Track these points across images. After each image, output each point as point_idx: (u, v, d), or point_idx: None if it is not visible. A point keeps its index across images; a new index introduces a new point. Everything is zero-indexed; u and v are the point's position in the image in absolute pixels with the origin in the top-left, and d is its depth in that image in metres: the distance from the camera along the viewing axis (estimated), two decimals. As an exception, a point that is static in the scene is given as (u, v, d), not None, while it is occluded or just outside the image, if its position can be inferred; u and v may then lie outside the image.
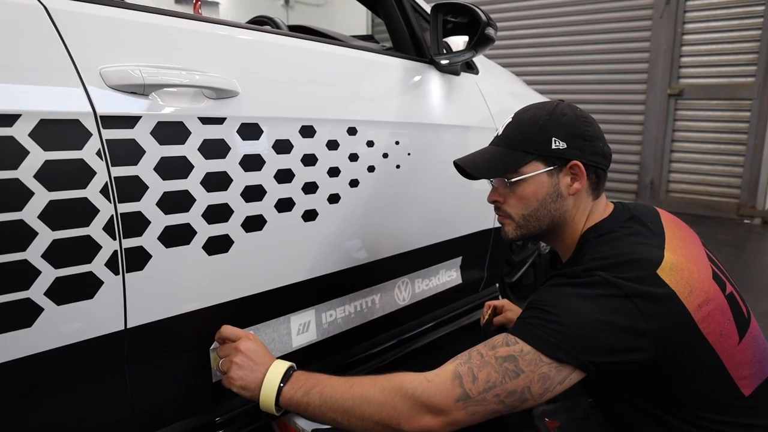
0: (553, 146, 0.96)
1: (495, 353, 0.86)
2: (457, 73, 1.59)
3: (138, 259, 0.88)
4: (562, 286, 0.91)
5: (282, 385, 0.92)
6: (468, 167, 1.04)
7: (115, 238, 0.84)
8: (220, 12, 5.69)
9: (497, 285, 1.94)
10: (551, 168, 0.97)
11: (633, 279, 0.87)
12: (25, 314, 0.76)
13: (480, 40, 1.42)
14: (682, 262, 0.90)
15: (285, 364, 0.96)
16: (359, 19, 6.23)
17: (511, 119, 1.04)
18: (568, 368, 0.85)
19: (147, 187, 0.87)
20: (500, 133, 1.04)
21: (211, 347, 1.02)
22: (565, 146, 0.96)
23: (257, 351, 0.97)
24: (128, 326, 0.89)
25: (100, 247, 0.83)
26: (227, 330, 1.01)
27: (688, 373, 0.89)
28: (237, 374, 0.95)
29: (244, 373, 0.95)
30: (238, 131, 0.99)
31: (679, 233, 0.99)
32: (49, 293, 0.78)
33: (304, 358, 1.24)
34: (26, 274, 0.75)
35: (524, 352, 0.84)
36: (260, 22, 1.77)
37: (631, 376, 0.90)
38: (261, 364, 0.95)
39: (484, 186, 1.68)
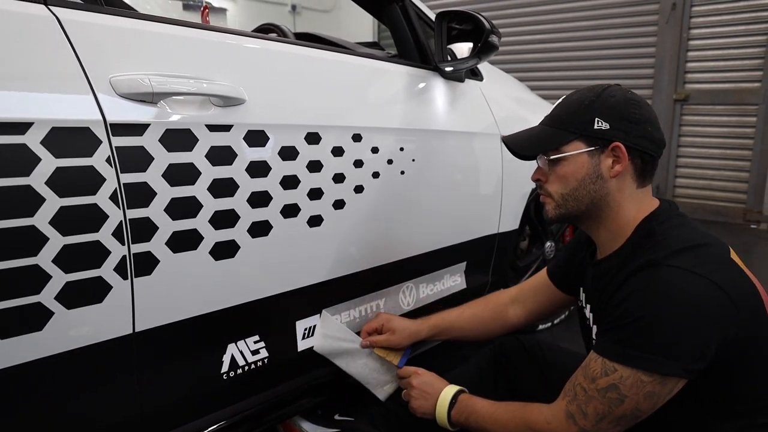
0: (596, 126, 0.95)
1: (596, 386, 0.89)
2: (461, 80, 1.60)
3: (146, 264, 0.89)
4: (647, 290, 0.87)
5: (450, 410, 1.10)
6: (512, 144, 1.05)
7: (123, 244, 0.86)
8: (228, 18, 5.73)
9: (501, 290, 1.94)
10: (592, 148, 0.96)
11: (715, 262, 0.87)
12: (36, 318, 0.78)
13: (484, 48, 1.43)
14: (739, 260, 0.93)
15: (450, 393, 1.12)
16: (366, 26, 6.25)
17: (561, 99, 1.04)
18: (673, 379, 0.85)
19: (155, 194, 0.89)
20: (549, 112, 1.05)
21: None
22: (608, 127, 0.94)
23: (427, 383, 1.16)
24: (136, 330, 0.90)
25: (110, 252, 0.84)
26: (401, 371, 1.23)
27: (754, 365, 0.89)
28: (416, 404, 1.15)
29: (420, 403, 1.15)
30: (245, 138, 1.01)
31: None
32: (59, 297, 0.80)
33: (309, 362, 1.26)
34: (37, 278, 0.77)
35: (624, 378, 0.86)
36: (267, 30, 1.79)
37: (704, 374, 0.88)
38: (432, 395, 1.14)
39: (488, 191, 1.70)
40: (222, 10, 5.61)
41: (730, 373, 0.89)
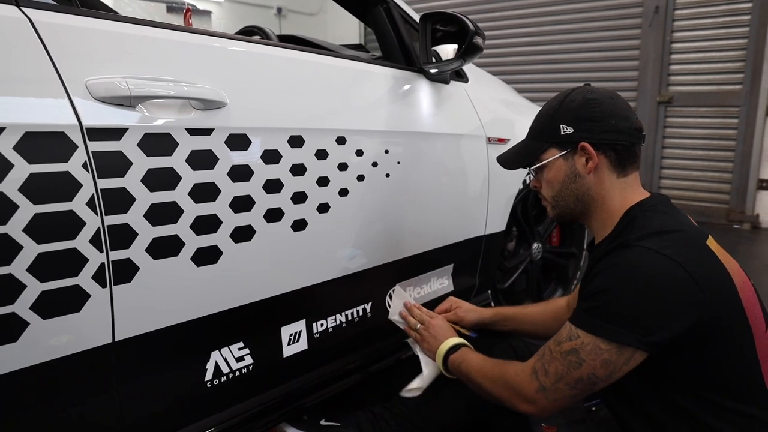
0: (562, 132, 1.04)
1: (560, 348, 0.96)
2: (446, 82, 1.60)
3: (125, 271, 0.87)
4: (615, 266, 0.93)
5: (448, 355, 1.20)
6: (502, 162, 1.19)
7: (102, 251, 0.84)
8: (213, 21, 5.69)
9: (489, 291, 1.94)
10: (564, 152, 1.05)
11: (685, 245, 0.92)
12: (11, 329, 0.76)
13: (468, 49, 1.42)
14: (719, 248, 0.97)
15: (453, 342, 1.22)
16: (352, 28, 6.25)
17: (538, 111, 1.13)
18: (629, 349, 0.90)
19: (134, 199, 0.87)
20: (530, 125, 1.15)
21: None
22: (572, 131, 1.03)
23: (441, 327, 1.27)
24: (116, 339, 0.88)
25: (87, 259, 0.82)
26: (422, 311, 1.35)
27: (725, 349, 0.92)
28: (425, 342, 1.27)
29: (429, 342, 1.26)
30: (226, 142, 0.99)
31: None
32: (34, 307, 0.77)
33: (295, 368, 1.24)
34: (11, 288, 0.75)
35: (584, 344, 0.92)
36: (250, 32, 1.78)
37: (673, 355, 0.92)
38: (439, 338, 1.24)
39: (474, 193, 1.69)
40: (206, 13, 5.58)
41: (702, 354, 0.92)
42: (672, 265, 0.88)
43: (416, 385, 1.29)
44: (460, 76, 1.71)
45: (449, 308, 1.42)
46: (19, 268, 0.75)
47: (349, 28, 6.17)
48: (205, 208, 0.97)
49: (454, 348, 1.20)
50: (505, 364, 1.09)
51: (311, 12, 6.70)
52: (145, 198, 0.88)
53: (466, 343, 1.24)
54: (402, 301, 1.42)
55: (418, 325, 1.31)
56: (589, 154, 1.02)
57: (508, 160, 1.17)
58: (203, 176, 0.96)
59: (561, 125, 1.04)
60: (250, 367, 1.12)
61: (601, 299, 0.92)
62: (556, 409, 0.99)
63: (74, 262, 0.81)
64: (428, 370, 1.29)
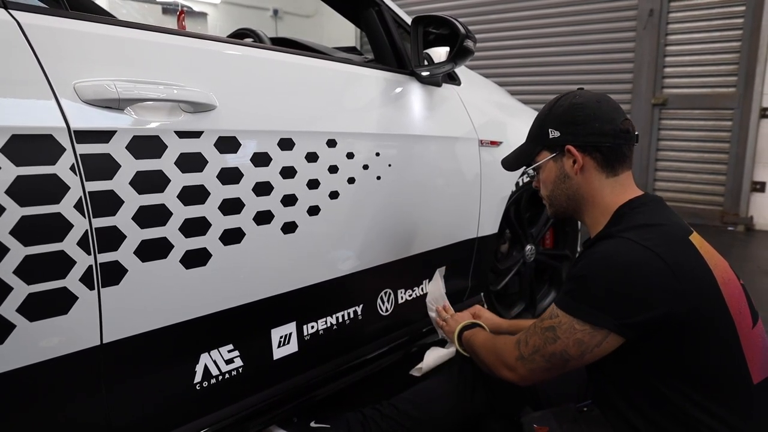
0: (550, 136, 1.10)
1: (542, 324, 1.03)
2: (438, 85, 1.60)
3: (113, 273, 0.87)
4: (595, 253, 0.98)
5: (462, 332, 1.31)
6: (503, 163, 1.27)
7: (90, 253, 0.84)
8: (208, 23, 5.69)
9: (482, 294, 1.94)
10: (554, 155, 1.11)
11: (666, 237, 0.95)
12: (-3, 331, 0.76)
13: (459, 52, 1.43)
14: (704, 244, 1.00)
15: (470, 321, 1.35)
16: (348, 30, 6.25)
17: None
18: (602, 332, 0.94)
19: (122, 202, 0.87)
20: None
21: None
22: (559, 134, 1.08)
23: (461, 315, 1.42)
24: (104, 341, 0.88)
25: (75, 262, 0.82)
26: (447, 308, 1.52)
27: (709, 343, 0.94)
28: (445, 326, 1.41)
29: (449, 326, 1.39)
30: (216, 144, 0.99)
31: None
32: (21, 310, 0.77)
33: (285, 370, 1.24)
34: (-3, 290, 0.75)
35: (561, 323, 0.99)
36: (242, 35, 1.78)
37: (657, 345, 0.95)
38: (457, 322, 1.37)
39: (467, 196, 1.70)
40: (202, 15, 5.58)
41: (685, 346, 0.93)
42: (649, 255, 0.92)
43: (421, 365, 1.43)
44: (453, 79, 1.72)
45: (471, 315, 1.49)
46: (5, 270, 0.75)
47: (345, 30, 6.17)
48: (195, 211, 0.97)
49: (469, 327, 1.31)
50: (500, 336, 1.19)
51: (307, 14, 6.71)
52: (133, 200, 0.88)
53: (482, 324, 1.34)
54: (435, 285, 1.54)
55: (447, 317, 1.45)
56: (575, 156, 1.07)
57: (508, 162, 1.25)
58: (192, 179, 0.96)
59: (549, 129, 1.10)
60: (240, 370, 1.13)
61: (580, 282, 0.97)
62: (534, 379, 1.06)
63: (61, 264, 0.81)
64: (433, 356, 1.44)
